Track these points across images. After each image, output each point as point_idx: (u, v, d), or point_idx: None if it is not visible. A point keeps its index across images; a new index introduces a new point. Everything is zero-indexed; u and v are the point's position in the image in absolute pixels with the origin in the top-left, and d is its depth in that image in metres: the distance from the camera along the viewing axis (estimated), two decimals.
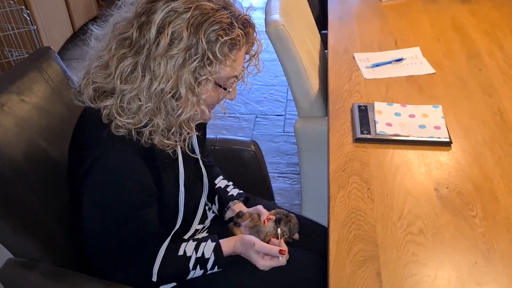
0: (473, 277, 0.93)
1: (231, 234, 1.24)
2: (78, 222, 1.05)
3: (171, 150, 1.04)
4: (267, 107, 3.01)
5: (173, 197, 1.11)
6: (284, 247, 1.15)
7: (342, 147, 1.27)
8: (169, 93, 0.93)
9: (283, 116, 2.92)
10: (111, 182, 0.97)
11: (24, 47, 3.03)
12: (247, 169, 1.54)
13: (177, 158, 1.09)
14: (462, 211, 1.07)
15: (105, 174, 0.97)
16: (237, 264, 1.18)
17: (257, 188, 1.56)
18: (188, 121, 1.01)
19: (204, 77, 0.94)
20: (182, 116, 0.96)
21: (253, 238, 1.16)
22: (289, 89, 3.23)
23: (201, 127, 1.23)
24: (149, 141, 0.97)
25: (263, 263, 1.16)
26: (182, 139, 1.03)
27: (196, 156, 1.18)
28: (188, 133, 1.02)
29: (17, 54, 3.08)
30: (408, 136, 1.27)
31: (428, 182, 1.15)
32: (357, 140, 1.28)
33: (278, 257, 1.15)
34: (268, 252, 1.15)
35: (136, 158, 0.97)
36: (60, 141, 1.20)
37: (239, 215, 1.25)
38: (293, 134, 2.78)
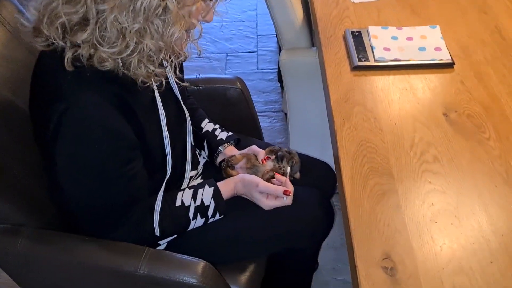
0: (495, 201, 0.89)
1: (226, 176, 1.17)
2: (57, 186, 0.93)
3: (157, 83, 0.93)
4: (237, 45, 2.86)
5: (158, 143, 1.01)
6: (290, 187, 1.09)
7: (341, 77, 1.18)
8: (156, 8, 0.80)
9: (255, 53, 2.79)
10: (84, 136, 0.86)
11: None
12: (234, 108, 1.44)
13: (155, 100, 0.98)
14: (475, 135, 1.02)
15: (76, 129, 0.85)
16: (237, 207, 1.12)
17: (245, 127, 1.47)
18: (178, 43, 0.89)
19: None
20: (176, 35, 0.84)
21: (255, 178, 1.09)
22: (258, 24, 3.10)
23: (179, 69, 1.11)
24: (137, 72, 0.86)
25: (268, 203, 1.10)
26: (170, 65, 0.93)
27: (172, 84, 1.05)
28: (176, 57, 0.92)
29: None
30: (408, 60, 1.19)
31: (435, 107, 1.09)
32: (355, 68, 1.19)
33: (283, 197, 1.08)
34: (272, 193, 1.08)
35: (108, 108, 0.86)
36: (28, 90, 1.06)
37: (231, 162, 1.16)
38: (268, 71, 2.68)
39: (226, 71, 2.67)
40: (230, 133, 1.26)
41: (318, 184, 1.25)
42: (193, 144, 1.26)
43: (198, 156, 1.27)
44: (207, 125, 1.26)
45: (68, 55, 0.83)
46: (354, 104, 1.10)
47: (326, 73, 1.20)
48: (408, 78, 1.17)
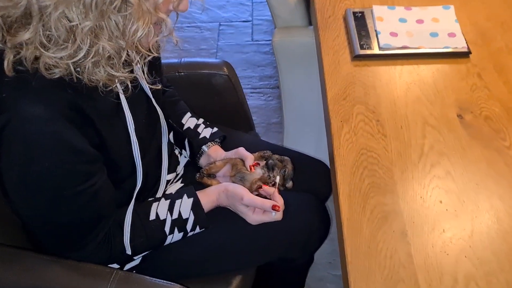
0: None
1: (206, 186, 1.03)
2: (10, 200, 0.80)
3: (123, 86, 0.80)
4: (231, 13, 2.66)
5: (125, 151, 0.87)
6: (279, 201, 0.95)
7: (339, 68, 1.03)
8: (113, 2, 0.66)
9: (250, 22, 2.60)
10: (31, 154, 0.72)
11: None
12: (220, 98, 1.29)
13: (120, 104, 0.83)
14: (493, 141, 0.88)
15: (20, 146, 0.71)
16: (221, 216, 0.99)
17: (233, 118, 1.32)
18: (144, 40, 0.75)
19: None
20: (139, 33, 0.70)
21: (240, 190, 0.96)
22: None
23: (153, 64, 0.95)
24: (94, 78, 0.72)
25: (254, 218, 0.97)
26: (139, 67, 0.80)
27: (142, 82, 0.89)
28: (143, 57, 0.79)
29: None
30: (418, 48, 1.04)
31: (448, 107, 0.94)
32: (356, 57, 1.04)
33: (272, 212, 0.95)
34: (259, 207, 0.95)
35: (58, 120, 0.71)
36: None
37: (205, 173, 1.03)
38: (263, 42, 2.50)
39: (219, 42, 2.49)
40: (215, 130, 1.12)
41: (313, 186, 1.12)
42: (172, 142, 1.13)
43: (179, 156, 1.13)
44: (188, 121, 1.11)
45: (9, 57, 0.68)
46: (355, 102, 0.96)
47: (323, 63, 1.04)
48: (418, 69, 1.02)
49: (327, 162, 1.19)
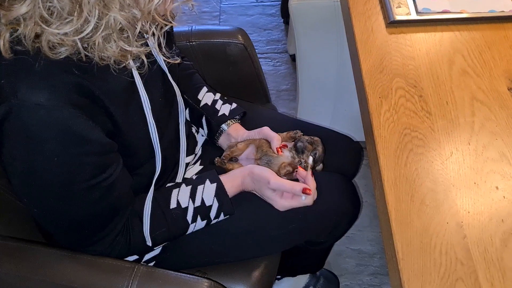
0: None
1: (227, 171, 0.95)
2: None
3: (137, 63, 0.71)
4: None
5: (142, 134, 0.79)
6: (311, 184, 0.87)
7: (373, 36, 0.93)
8: None
9: None
10: (36, 149, 0.64)
11: None
12: (235, 68, 1.20)
13: (134, 83, 0.74)
14: None
15: (23, 139, 0.63)
16: (245, 200, 0.92)
17: (249, 89, 1.23)
18: (161, 8, 0.67)
19: None
20: (157, 0, 0.62)
21: (266, 173, 0.88)
22: None
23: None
24: (105, 55, 0.63)
25: (283, 203, 0.89)
26: (154, 39, 0.72)
27: (156, 56, 0.81)
28: (159, 28, 0.70)
29: None
30: (461, 13, 0.94)
31: (497, 79, 0.85)
32: (391, 23, 0.94)
33: (301, 197, 0.87)
34: (288, 191, 0.88)
35: (66, 108, 0.62)
36: None
37: (226, 158, 0.94)
38: (269, 3, 2.36)
39: (222, 3, 2.35)
40: (234, 106, 1.02)
41: (341, 165, 1.05)
42: (188, 119, 1.04)
43: (196, 135, 1.04)
44: (205, 96, 1.02)
45: (4, 36, 0.58)
46: (393, 75, 0.86)
47: (354, 31, 0.94)
48: (460, 36, 0.92)
49: (344, 133, 1.11)
